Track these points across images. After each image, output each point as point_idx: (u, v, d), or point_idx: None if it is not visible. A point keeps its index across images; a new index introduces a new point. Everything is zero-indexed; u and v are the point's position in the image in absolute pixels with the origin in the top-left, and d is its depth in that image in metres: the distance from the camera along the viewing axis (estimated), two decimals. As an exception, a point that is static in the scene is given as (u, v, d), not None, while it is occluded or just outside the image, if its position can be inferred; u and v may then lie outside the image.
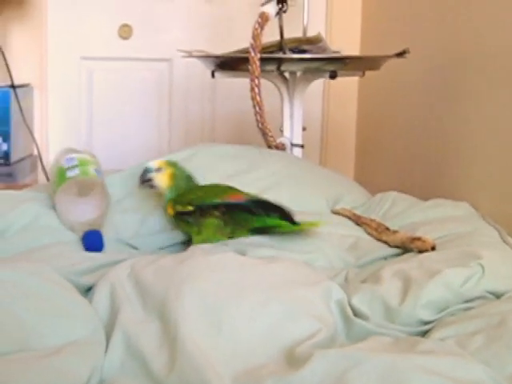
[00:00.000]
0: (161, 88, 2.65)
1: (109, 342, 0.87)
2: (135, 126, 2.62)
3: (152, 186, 1.31)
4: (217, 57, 1.84)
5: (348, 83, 2.48)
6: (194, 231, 1.27)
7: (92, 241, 1.25)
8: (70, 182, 1.29)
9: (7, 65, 2.30)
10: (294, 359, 0.81)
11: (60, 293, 0.92)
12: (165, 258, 1.06)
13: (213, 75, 1.88)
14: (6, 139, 2.23)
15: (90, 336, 0.87)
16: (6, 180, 2.18)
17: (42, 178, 2.40)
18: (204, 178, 1.37)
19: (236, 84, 2.06)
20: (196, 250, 1.14)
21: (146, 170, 1.30)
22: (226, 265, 1.01)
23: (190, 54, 1.87)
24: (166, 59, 2.62)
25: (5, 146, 2.23)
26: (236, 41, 1.88)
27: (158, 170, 1.30)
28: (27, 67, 2.47)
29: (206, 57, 1.88)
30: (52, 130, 2.55)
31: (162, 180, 1.30)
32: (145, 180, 1.30)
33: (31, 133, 2.36)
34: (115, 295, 0.95)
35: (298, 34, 1.94)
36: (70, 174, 1.30)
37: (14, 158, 2.26)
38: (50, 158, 2.42)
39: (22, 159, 2.36)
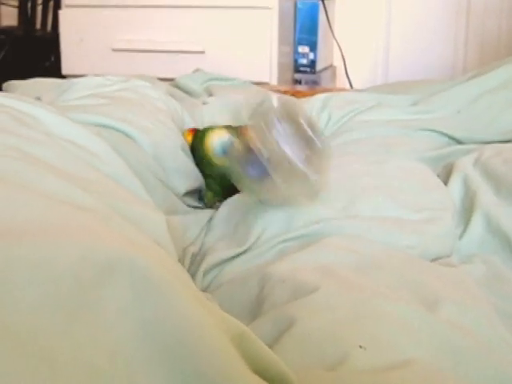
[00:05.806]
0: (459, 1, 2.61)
1: (469, 221, 0.95)
2: (433, 40, 2.62)
3: None
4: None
5: None
6: None
7: None
8: None
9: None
10: None
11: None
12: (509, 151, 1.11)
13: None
14: (313, 49, 2.38)
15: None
16: (312, 86, 2.34)
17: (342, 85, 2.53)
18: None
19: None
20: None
21: None
22: None
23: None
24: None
25: (312, 56, 2.38)
26: None
27: None
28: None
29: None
30: (352, 42, 2.65)
31: None
32: None
33: (337, 42, 2.48)
34: (469, 181, 1.03)
35: None
36: None
37: (319, 66, 2.41)
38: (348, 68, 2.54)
39: (325, 68, 2.49)
